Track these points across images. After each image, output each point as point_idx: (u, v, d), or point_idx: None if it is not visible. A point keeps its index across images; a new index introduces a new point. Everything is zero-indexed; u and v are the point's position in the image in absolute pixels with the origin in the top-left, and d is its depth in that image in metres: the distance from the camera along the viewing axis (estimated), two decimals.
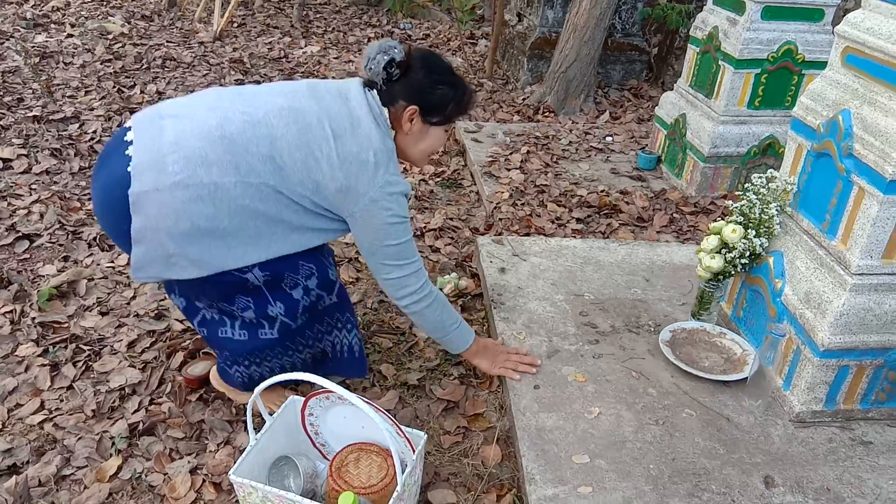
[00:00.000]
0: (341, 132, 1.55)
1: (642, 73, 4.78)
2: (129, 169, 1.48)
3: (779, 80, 3.00)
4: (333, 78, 4.68)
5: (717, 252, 2.04)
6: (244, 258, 1.53)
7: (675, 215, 3.11)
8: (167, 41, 5.12)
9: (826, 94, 1.83)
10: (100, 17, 5.49)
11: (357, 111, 1.59)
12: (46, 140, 3.38)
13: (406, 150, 1.71)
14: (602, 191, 3.30)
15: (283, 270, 1.59)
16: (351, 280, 2.54)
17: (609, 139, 3.95)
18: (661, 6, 4.35)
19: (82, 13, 5.53)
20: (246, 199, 1.49)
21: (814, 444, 1.75)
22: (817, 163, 1.85)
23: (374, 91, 1.63)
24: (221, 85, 4.35)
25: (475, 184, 3.49)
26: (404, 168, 3.51)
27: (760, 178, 1.99)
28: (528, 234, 2.89)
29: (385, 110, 1.62)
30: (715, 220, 2.81)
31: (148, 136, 1.52)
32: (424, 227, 2.98)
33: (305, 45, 5.29)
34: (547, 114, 4.38)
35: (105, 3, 5.94)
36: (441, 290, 2.49)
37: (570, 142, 3.90)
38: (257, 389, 1.46)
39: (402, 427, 1.49)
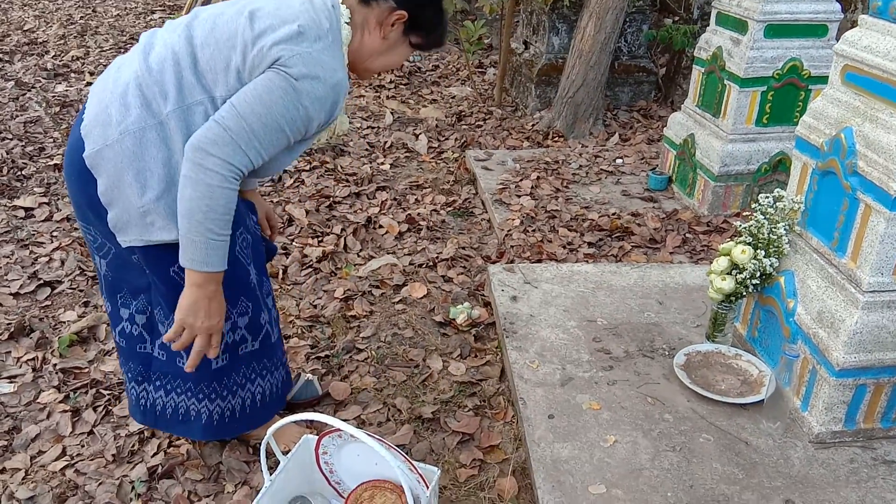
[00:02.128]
0: (261, 12, 1.43)
1: (651, 93, 4.79)
2: (80, 131, 1.47)
3: (786, 96, 3.00)
4: (345, 113, 4.77)
5: (727, 273, 2.03)
6: None
7: (687, 235, 3.09)
8: None
9: (828, 112, 1.83)
10: None
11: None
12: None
13: (365, 55, 1.54)
14: (613, 214, 3.30)
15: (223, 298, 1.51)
16: (365, 313, 2.57)
17: (619, 161, 3.96)
18: (665, 28, 4.38)
19: (101, 61, 5.70)
20: (193, 127, 1.39)
21: (835, 466, 1.72)
22: (823, 181, 1.85)
23: None
24: None
25: (486, 211, 3.51)
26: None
27: (767, 197, 1.99)
28: (539, 261, 2.89)
29: (346, 12, 1.47)
30: (728, 239, 2.80)
31: (95, 93, 1.50)
32: (437, 258, 3.00)
33: None
34: (556, 139, 4.40)
35: (123, 50, 6.13)
36: (454, 319, 2.51)
37: (581, 165, 3.92)
38: (270, 430, 1.48)
39: (415, 463, 1.50)
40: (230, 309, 1.58)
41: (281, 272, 2.82)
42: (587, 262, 2.89)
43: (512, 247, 3.03)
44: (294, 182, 3.65)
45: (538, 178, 3.73)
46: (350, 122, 4.58)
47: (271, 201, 3.42)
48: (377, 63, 1.57)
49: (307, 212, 3.26)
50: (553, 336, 2.25)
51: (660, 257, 2.94)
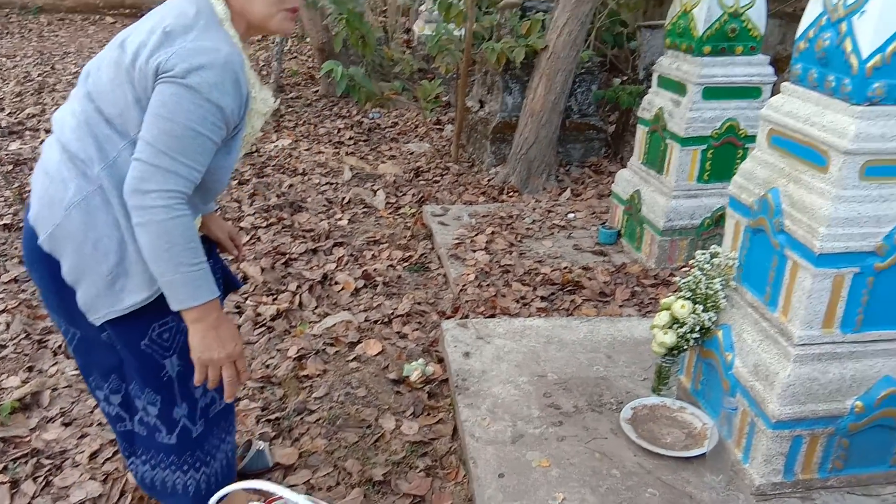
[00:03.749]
0: (129, 36, 1.41)
1: (601, 150, 4.96)
2: (30, 221, 1.46)
3: (724, 154, 3.14)
4: (304, 170, 4.82)
5: (669, 327, 2.09)
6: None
7: (636, 288, 3.17)
8: None
9: (756, 173, 1.94)
10: None
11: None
12: (16, 248, 3.42)
13: (242, 11, 1.44)
14: (565, 268, 3.37)
15: (192, 364, 1.49)
16: (318, 372, 2.55)
17: (571, 216, 4.07)
18: (613, 88, 4.58)
19: None
20: (125, 178, 1.35)
21: None
22: (754, 238, 1.94)
23: None
24: None
25: (442, 266, 3.55)
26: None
27: (704, 254, 2.07)
28: (493, 316, 2.93)
29: None
30: (670, 294, 2.88)
31: (34, 181, 1.49)
32: (392, 314, 3.01)
33: (277, 139, 5.46)
34: (511, 193, 4.50)
35: None
36: (408, 377, 2.51)
37: (534, 220, 4.01)
38: (214, 499, 1.46)
39: None
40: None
41: None
42: (539, 316, 2.93)
43: (466, 301, 3.07)
44: (250, 239, 3.66)
45: (493, 232, 3.80)
46: (308, 179, 4.63)
47: (226, 260, 3.41)
48: (263, 7, 1.43)
49: (262, 269, 3.26)
50: (505, 392, 2.27)
51: (609, 310, 3.01)
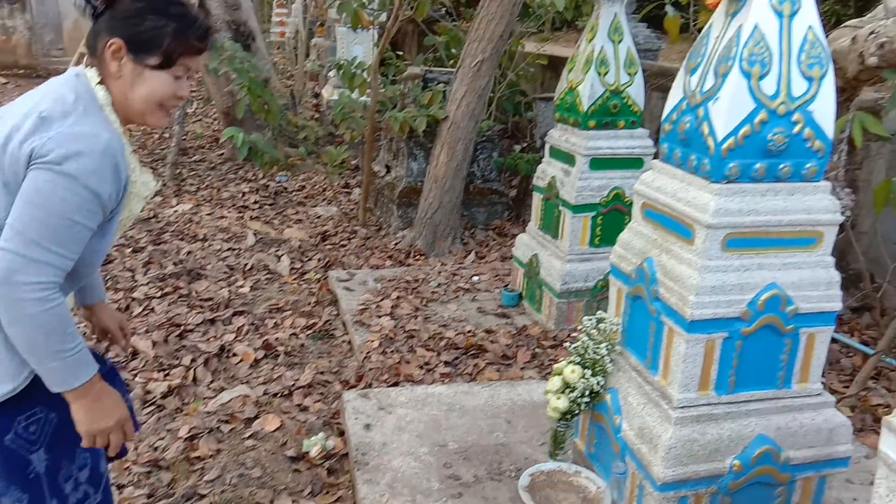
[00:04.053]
0: (2, 118, 1.35)
1: (504, 213, 5.12)
2: None
3: (613, 220, 3.32)
4: (205, 235, 4.70)
5: (561, 392, 2.14)
6: None
7: (536, 350, 3.25)
8: None
9: (633, 243, 2.06)
10: None
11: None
12: None
13: (127, 102, 1.40)
14: (469, 331, 3.42)
15: (61, 457, 1.44)
16: (211, 453, 2.44)
17: (476, 279, 4.15)
18: (512, 156, 4.78)
19: None
20: None
21: None
22: (634, 305, 2.04)
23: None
24: None
25: (347, 333, 3.51)
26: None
27: (591, 319, 2.15)
28: (396, 384, 2.91)
29: (94, 74, 1.39)
30: (562, 359, 2.96)
31: None
32: (293, 385, 2.94)
33: (177, 204, 5.31)
34: (418, 257, 4.55)
35: None
36: (307, 453, 2.44)
37: (440, 283, 4.05)
38: None
39: None
40: (69, 464, 1.47)
41: None
42: (443, 381, 2.94)
43: (371, 369, 3.04)
44: (143, 310, 3.50)
45: (398, 297, 3.81)
46: (209, 245, 4.51)
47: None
48: (140, 104, 1.40)
49: (154, 343, 3.12)
50: (405, 465, 2.24)
51: (511, 373, 3.06)
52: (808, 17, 1.70)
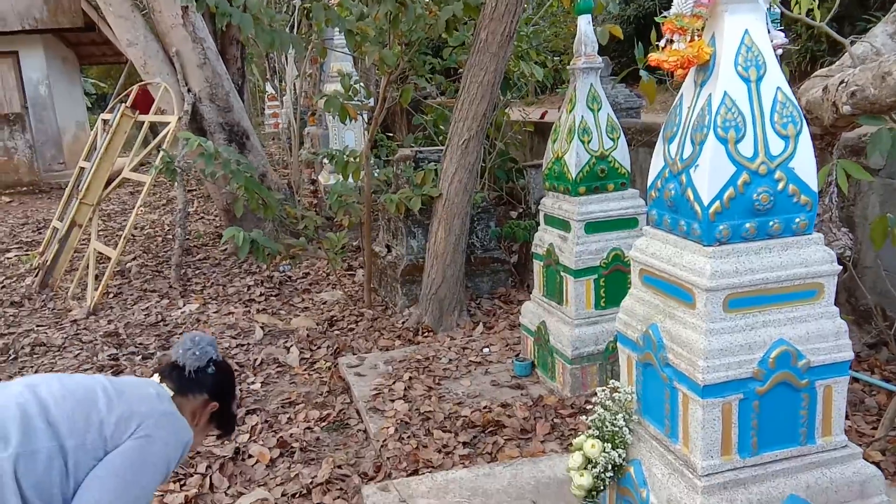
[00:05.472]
0: (116, 394, 1.64)
1: (508, 280, 5.14)
2: None
3: (616, 281, 3.33)
4: (213, 334, 4.71)
5: (584, 468, 2.10)
6: None
7: (555, 420, 3.20)
8: (37, 325, 5.03)
9: (636, 310, 2.06)
10: None
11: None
12: None
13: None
14: (485, 407, 3.37)
15: None
16: None
17: (486, 350, 4.12)
18: (508, 224, 4.83)
19: None
20: (32, 473, 1.46)
21: None
22: (646, 372, 2.03)
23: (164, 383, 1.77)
24: (93, 364, 4.25)
25: (362, 421, 3.47)
26: None
27: (604, 390, 2.13)
28: (416, 472, 2.85)
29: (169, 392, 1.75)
30: (580, 433, 2.91)
31: None
32: (311, 483, 2.88)
33: (184, 305, 5.35)
34: (426, 334, 4.54)
35: None
36: None
37: (450, 359, 4.03)
38: None
39: None
40: None
41: None
42: (463, 464, 2.89)
43: (388, 458, 2.99)
44: None
45: (410, 378, 3.78)
46: (218, 343, 4.52)
47: None
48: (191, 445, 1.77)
49: None
50: None
51: (532, 448, 3.00)
52: (775, 78, 1.76)
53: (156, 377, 1.78)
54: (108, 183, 6.17)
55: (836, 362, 1.82)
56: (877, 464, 1.97)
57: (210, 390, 1.79)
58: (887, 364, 3.43)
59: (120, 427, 1.56)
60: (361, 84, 5.32)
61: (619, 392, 2.11)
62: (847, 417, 2.93)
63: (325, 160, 5.25)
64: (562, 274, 3.36)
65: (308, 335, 4.64)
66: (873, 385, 3.23)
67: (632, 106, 5.42)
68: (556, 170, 3.36)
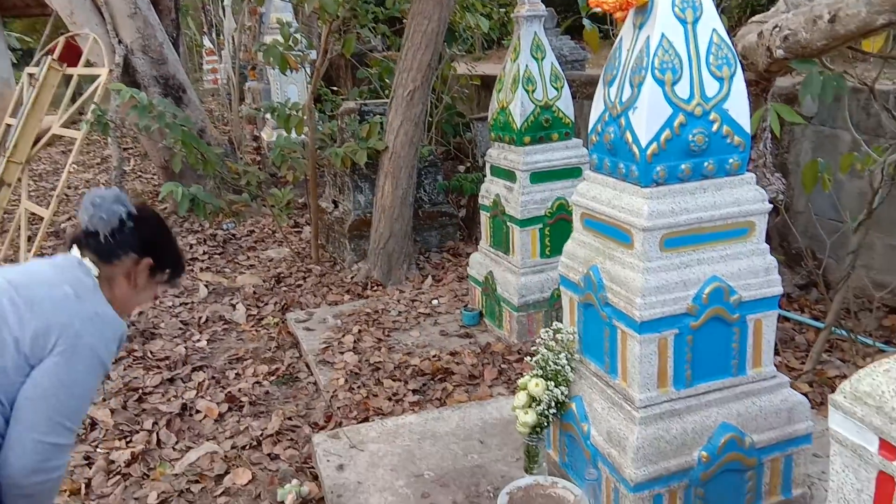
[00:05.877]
0: (27, 305, 1.48)
1: (456, 234, 5.17)
2: None
3: (561, 230, 3.38)
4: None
5: (528, 406, 2.16)
6: None
7: (502, 366, 3.27)
8: None
9: (577, 253, 2.10)
10: None
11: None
12: None
13: (118, 303, 1.63)
14: (434, 356, 3.42)
15: None
16: None
17: (435, 302, 4.16)
18: (456, 177, 4.83)
19: None
20: None
21: None
22: (587, 312, 2.09)
23: (80, 254, 1.60)
24: None
25: (312, 374, 3.48)
26: None
27: (547, 331, 2.19)
28: (366, 419, 2.89)
29: (94, 268, 1.58)
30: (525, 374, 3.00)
31: None
32: (261, 435, 2.89)
33: None
34: (375, 288, 4.54)
35: None
36: (282, 502, 2.40)
37: (400, 312, 4.05)
38: None
39: None
40: None
41: (84, 486, 2.56)
42: (413, 410, 2.93)
43: (339, 408, 3.01)
44: None
45: (360, 330, 3.79)
46: (160, 302, 4.42)
47: None
48: (131, 305, 1.70)
49: (112, 411, 3.03)
50: (382, 501, 2.22)
51: (480, 393, 3.07)
52: (711, 21, 1.78)
53: (75, 250, 1.60)
54: (37, 140, 5.87)
55: (766, 297, 1.91)
56: (805, 394, 2.09)
57: (136, 247, 1.61)
58: (816, 304, 3.62)
59: (38, 343, 1.43)
60: (302, 34, 5.16)
61: (562, 333, 2.17)
62: (778, 353, 3.09)
63: (268, 115, 5.11)
64: (508, 224, 3.39)
65: (255, 292, 4.59)
66: (803, 323, 3.41)
67: (577, 58, 5.43)
68: (501, 120, 3.36)
